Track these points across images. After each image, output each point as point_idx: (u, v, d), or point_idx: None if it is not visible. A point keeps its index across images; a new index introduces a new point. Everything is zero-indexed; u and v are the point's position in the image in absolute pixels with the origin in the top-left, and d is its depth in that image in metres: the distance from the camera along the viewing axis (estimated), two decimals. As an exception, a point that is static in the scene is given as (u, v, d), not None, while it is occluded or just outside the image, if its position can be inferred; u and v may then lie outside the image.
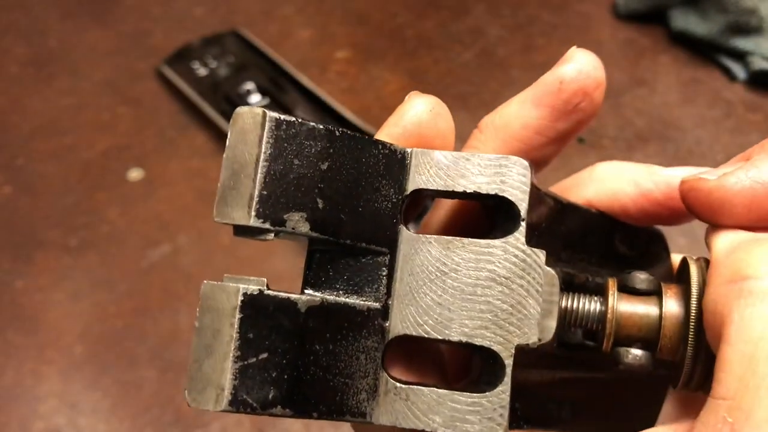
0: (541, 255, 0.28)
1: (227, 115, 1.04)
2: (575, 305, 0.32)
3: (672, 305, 0.31)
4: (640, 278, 0.32)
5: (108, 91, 1.10)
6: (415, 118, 0.31)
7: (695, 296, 0.30)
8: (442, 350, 0.34)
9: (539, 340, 0.28)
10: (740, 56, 1.13)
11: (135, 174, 0.99)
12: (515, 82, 1.09)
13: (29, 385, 0.78)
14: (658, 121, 1.07)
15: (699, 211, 0.30)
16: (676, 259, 0.39)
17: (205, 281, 0.26)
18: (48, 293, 0.86)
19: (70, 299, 0.85)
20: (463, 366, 0.34)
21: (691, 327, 0.30)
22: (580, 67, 0.32)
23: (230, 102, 1.05)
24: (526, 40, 1.16)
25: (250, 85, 1.06)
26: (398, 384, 0.28)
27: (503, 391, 0.27)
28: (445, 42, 1.17)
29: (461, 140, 0.37)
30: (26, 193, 0.97)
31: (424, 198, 0.31)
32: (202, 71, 1.10)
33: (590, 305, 0.32)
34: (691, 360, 0.30)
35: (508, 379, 0.27)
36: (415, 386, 0.28)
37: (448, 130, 0.32)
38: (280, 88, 1.06)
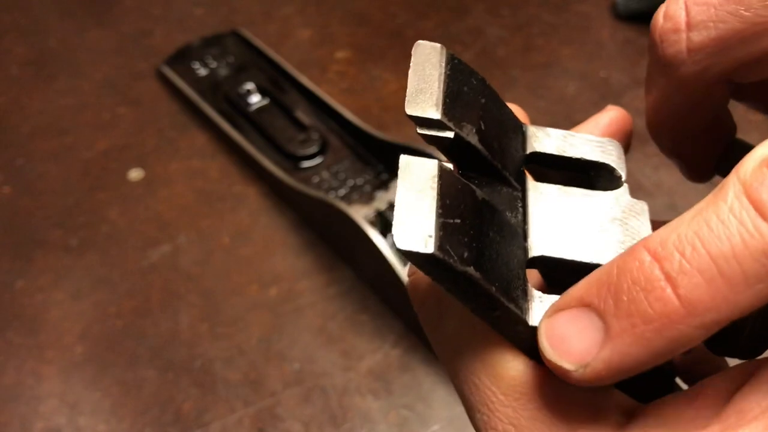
0: (645, 204, 0.33)
1: (227, 115, 1.05)
2: None
3: None
4: None
5: (108, 91, 1.10)
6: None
7: None
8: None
9: None
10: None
11: (135, 174, 0.99)
12: (515, 82, 1.09)
13: (29, 385, 0.78)
14: (658, 121, 1.07)
15: None
16: None
17: (402, 155, 0.28)
18: (48, 293, 0.86)
19: (70, 299, 0.85)
20: None
21: None
22: (623, 113, 0.40)
23: (230, 102, 1.05)
24: (526, 40, 1.16)
25: (250, 85, 1.06)
26: (544, 294, 0.29)
27: None
28: (445, 42, 1.16)
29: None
30: (26, 193, 0.97)
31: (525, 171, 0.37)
32: (202, 71, 1.10)
33: None
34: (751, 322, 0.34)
35: None
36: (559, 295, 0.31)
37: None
38: (280, 88, 1.06)
